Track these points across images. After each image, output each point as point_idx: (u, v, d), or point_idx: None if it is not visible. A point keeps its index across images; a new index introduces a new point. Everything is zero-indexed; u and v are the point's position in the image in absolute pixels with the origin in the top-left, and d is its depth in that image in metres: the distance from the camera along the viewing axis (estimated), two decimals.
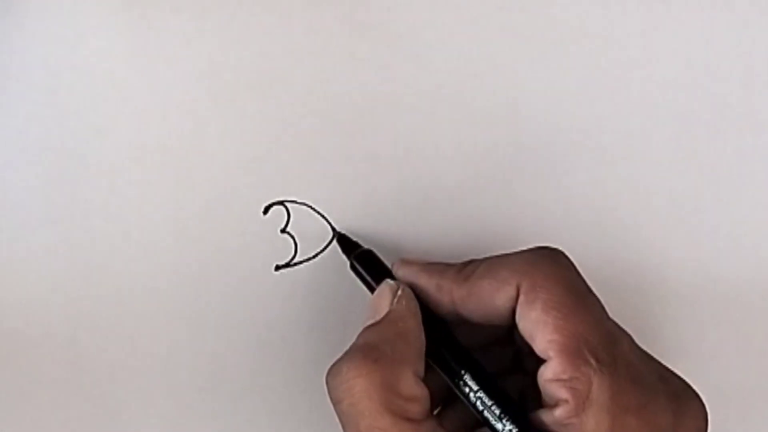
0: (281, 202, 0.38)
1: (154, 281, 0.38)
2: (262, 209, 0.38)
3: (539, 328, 0.31)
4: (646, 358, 0.32)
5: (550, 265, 0.32)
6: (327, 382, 0.32)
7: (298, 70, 0.38)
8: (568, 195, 0.39)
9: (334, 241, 0.38)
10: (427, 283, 0.34)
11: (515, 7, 0.38)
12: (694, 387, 0.32)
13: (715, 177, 0.39)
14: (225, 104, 0.38)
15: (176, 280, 0.38)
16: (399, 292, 0.34)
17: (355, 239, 0.38)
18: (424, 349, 0.33)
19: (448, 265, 0.34)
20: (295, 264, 0.38)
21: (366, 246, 0.37)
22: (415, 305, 0.33)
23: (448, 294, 0.33)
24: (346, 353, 0.32)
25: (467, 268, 0.33)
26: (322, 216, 0.38)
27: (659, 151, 0.39)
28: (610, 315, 0.32)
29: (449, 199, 0.39)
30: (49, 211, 0.38)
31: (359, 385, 0.30)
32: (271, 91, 0.38)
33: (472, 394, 0.32)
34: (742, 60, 0.39)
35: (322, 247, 0.38)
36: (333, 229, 0.38)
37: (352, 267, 0.37)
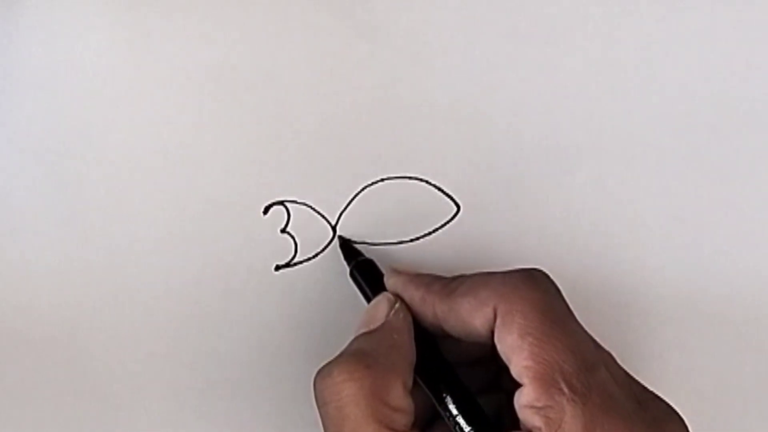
0: (281, 202, 0.38)
1: (153, 281, 0.38)
2: (262, 209, 0.38)
3: (515, 353, 0.30)
4: (625, 382, 0.31)
5: (529, 289, 0.31)
6: (315, 383, 0.31)
7: (298, 70, 0.38)
8: (570, 196, 0.39)
9: (334, 242, 0.38)
10: (413, 294, 0.34)
11: (515, 7, 0.38)
12: (676, 406, 0.32)
13: (707, 186, 0.39)
14: (225, 104, 0.38)
15: (176, 279, 0.38)
16: (396, 305, 0.34)
17: (357, 246, 0.38)
18: (414, 362, 0.33)
19: (436, 278, 0.34)
20: (295, 264, 0.38)
21: (367, 255, 0.37)
22: (409, 320, 0.34)
23: (431, 308, 0.33)
24: (338, 357, 0.32)
25: (452, 284, 0.33)
26: (322, 216, 0.38)
27: (654, 165, 0.39)
28: (592, 332, 0.32)
29: (447, 197, 0.39)
30: (49, 211, 0.38)
31: (348, 389, 0.30)
32: (271, 91, 0.38)
33: (451, 418, 0.32)
34: (743, 60, 0.39)
35: (322, 247, 0.38)
36: (333, 229, 0.38)
37: (352, 275, 0.37)
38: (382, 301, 0.34)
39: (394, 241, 0.39)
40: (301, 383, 0.38)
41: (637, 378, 0.32)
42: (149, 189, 0.38)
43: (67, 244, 0.38)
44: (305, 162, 0.38)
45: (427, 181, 0.39)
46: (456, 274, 0.35)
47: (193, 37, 0.38)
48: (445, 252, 0.39)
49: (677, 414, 0.32)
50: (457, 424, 0.32)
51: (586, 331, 0.32)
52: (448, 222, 0.39)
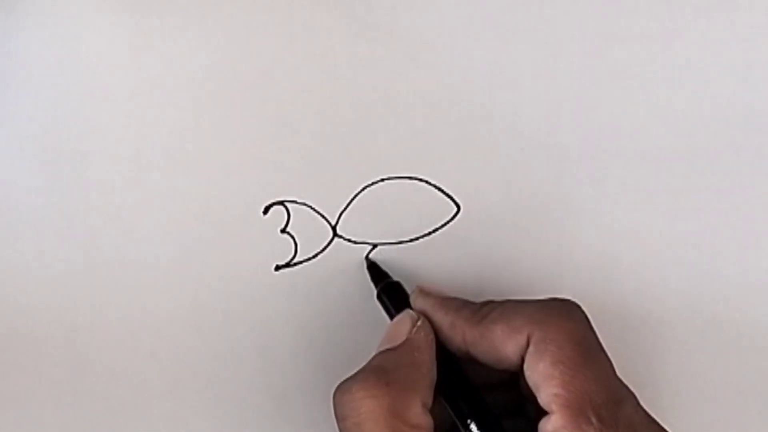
0: (281, 202, 0.38)
1: (153, 281, 0.38)
2: (262, 209, 0.38)
3: (545, 381, 0.31)
4: (648, 423, 0.32)
5: (563, 319, 0.32)
6: (334, 397, 0.32)
7: (298, 70, 0.38)
8: (569, 196, 0.39)
9: (335, 242, 0.38)
10: (442, 318, 0.34)
11: (515, 7, 0.38)
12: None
13: (707, 186, 0.39)
14: (225, 104, 0.38)
15: (176, 279, 0.38)
16: (419, 323, 0.34)
17: (384, 269, 0.38)
18: (434, 381, 0.33)
19: (465, 303, 0.35)
20: (295, 264, 0.38)
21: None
22: (432, 338, 0.34)
23: (460, 333, 0.34)
24: (358, 373, 0.32)
25: (482, 311, 0.34)
26: (322, 216, 0.38)
27: (654, 165, 0.39)
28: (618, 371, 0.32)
29: (447, 197, 0.39)
30: (49, 211, 0.38)
31: (367, 405, 0.30)
32: (271, 91, 0.38)
33: None
34: (743, 60, 0.39)
35: (322, 247, 0.38)
36: (333, 229, 0.38)
37: (379, 297, 0.37)
38: (404, 318, 0.35)
39: (394, 241, 0.39)
40: (301, 383, 0.38)
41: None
42: (149, 189, 0.38)
43: (67, 244, 0.38)
44: (305, 162, 0.38)
45: (427, 181, 0.39)
46: (456, 274, 0.35)
47: (193, 36, 0.38)
48: (445, 252, 0.39)
49: None
50: None
51: (613, 366, 0.32)
52: (448, 222, 0.39)
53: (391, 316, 0.36)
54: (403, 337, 0.34)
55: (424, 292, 0.36)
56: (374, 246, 0.38)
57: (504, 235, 0.39)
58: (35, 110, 0.38)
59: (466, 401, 0.33)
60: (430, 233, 0.39)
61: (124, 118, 0.38)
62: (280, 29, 0.38)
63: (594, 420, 0.30)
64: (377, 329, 0.38)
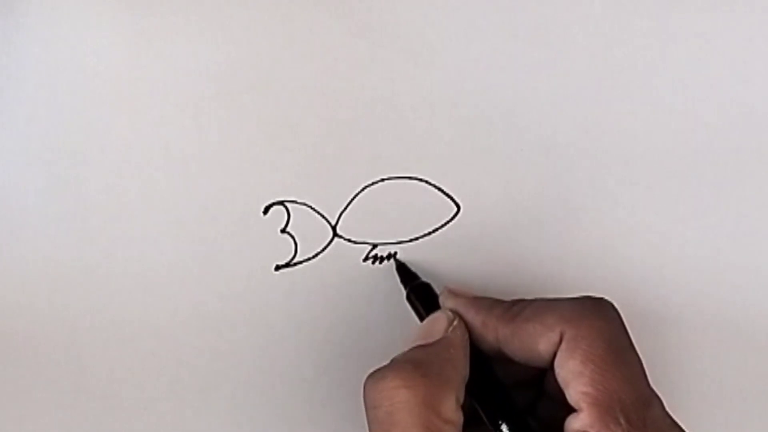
0: (281, 202, 0.38)
1: (153, 281, 0.38)
2: (262, 209, 0.38)
3: (575, 378, 0.31)
4: (674, 427, 0.32)
5: (596, 317, 0.32)
6: (366, 385, 0.32)
7: (298, 70, 0.38)
8: (569, 196, 0.39)
9: (335, 242, 0.38)
10: (473, 318, 0.34)
11: (515, 7, 0.38)
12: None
13: (707, 186, 0.39)
14: (225, 104, 0.38)
15: (176, 279, 0.38)
16: (455, 322, 0.34)
17: (413, 270, 0.38)
18: (467, 379, 0.33)
19: (496, 302, 0.35)
20: (295, 264, 0.38)
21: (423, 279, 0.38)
22: (466, 337, 0.34)
23: (493, 331, 0.34)
24: (392, 363, 0.32)
25: (514, 309, 0.34)
26: (322, 216, 0.38)
27: (654, 165, 0.39)
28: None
29: (447, 197, 0.39)
30: (49, 211, 0.38)
31: (402, 395, 0.30)
32: (271, 91, 0.38)
33: None
34: (743, 60, 0.39)
35: (322, 247, 0.38)
36: (333, 229, 0.38)
37: (408, 298, 0.37)
38: (440, 317, 0.35)
39: (394, 240, 0.39)
40: (301, 383, 0.38)
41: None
42: (149, 189, 0.38)
43: (67, 244, 0.38)
44: (305, 162, 0.38)
45: (427, 181, 0.39)
46: (456, 274, 0.35)
47: (193, 37, 0.38)
48: (445, 252, 0.39)
49: None
50: None
51: (643, 367, 0.32)
52: (448, 222, 0.39)
53: (421, 317, 0.36)
54: (439, 335, 0.34)
55: (453, 293, 0.36)
56: (374, 246, 0.38)
57: (504, 235, 0.39)
58: (35, 110, 0.38)
59: (497, 401, 0.33)
60: (430, 233, 0.39)
61: (124, 118, 0.38)
62: (280, 29, 0.38)
63: (622, 420, 0.30)
64: (377, 329, 0.38)
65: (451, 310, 0.35)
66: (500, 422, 0.33)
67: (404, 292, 0.37)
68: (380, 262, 0.39)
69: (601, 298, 0.33)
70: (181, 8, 0.38)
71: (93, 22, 0.38)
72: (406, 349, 0.33)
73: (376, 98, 0.38)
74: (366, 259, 0.39)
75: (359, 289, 0.38)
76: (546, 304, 0.33)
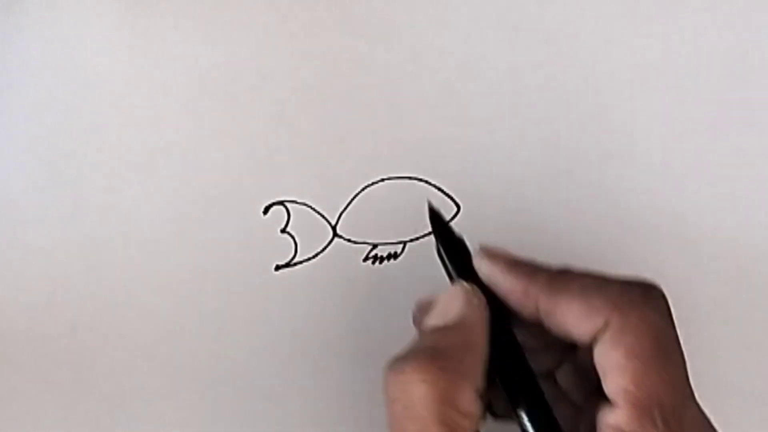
0: (281, 202, 0.38)
1: (153, 281, 0.38)
2: (262, 209, 0.38)
3: (616, 371, 0.30)
4: (708, 428, 0.31)
5: (646, 307, 0.30)
6: (386, 376, 0.30)
7: (298, 70, 0.38)
8: (569, 196, 0.39)
9: (334, 242, 0.38)
10: (512, 284, 0.32)
11: (515, 7, 0.38)
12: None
13: (707, 186, 0.39)
14: (225, 104, 0.38)
15: (176, 279, 0.38)
16: (475, 301, 0.32)
17: (447, 220, 0.35)
18: (486, 362, 0.31)
19: (539, 268, 0.32)
20: (295, 264, 0.38)
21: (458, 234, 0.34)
22: (485, 316, 0.32)
23: (533, 301, 0.32)
24: (411, 351, 0.30)
25: (559, 280, 0.31)
26: (322, 216, 0.38)
27: (654, 165, 0.39)
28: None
29: (447, 197, 0.39)
30: (49, 211, 0.38)
31: (420, 390, 0.29)
32: (271, 91, 0.38)
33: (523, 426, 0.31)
34: (743, 60, 0.39)
35: (322, 247, 0.38)
36: (333, 229, 0.38)
37: (438, 252, 0.34)
38: (458, 293, 0.32)
39: (394, 241, 0.39)
40: (301, 382, 0.38)
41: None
42: (149, 189, 0.38)
43: (67, 244, 0.38)
44: (305, 162, 0.38)
45: (427, 181, 0.39)
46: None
47: (192, 37, 0.38)
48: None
49: None
50: None
51: (686, 364, 0.31)
52: (448, 222, 0.39)
53: (450, 277, 0.34)
54: (456, 313, 0.31)
55: (490, 254, 0.33)
56: (374, 246, 0.38)
57: (504, 235, 0.39)
58: (35, 110, 0.38)
59: (521, 387, 0.31)
60: (430, 233, 0.39)
61: (124, 118, 0.38)
62: (279, 29, 0.38)
63: (659, 422, 0.29)
64: (377, 329, 0.38)
65: (486, 275, 0.32)
66: (521, 411, 0.31)
67: (434, 246, 0.34)
68: (380, 262, 0.38)
69: (653, 285, 0.31)
70: (181, 8, 0.38)
71: (93, 22, 0.38)
72: (424, 326, 0.32)
73: (376, 98, 0.38)
74: (366, 259, 0.39)
75: (359, 289, 0.38)
76: (594, 283, 0.31)
